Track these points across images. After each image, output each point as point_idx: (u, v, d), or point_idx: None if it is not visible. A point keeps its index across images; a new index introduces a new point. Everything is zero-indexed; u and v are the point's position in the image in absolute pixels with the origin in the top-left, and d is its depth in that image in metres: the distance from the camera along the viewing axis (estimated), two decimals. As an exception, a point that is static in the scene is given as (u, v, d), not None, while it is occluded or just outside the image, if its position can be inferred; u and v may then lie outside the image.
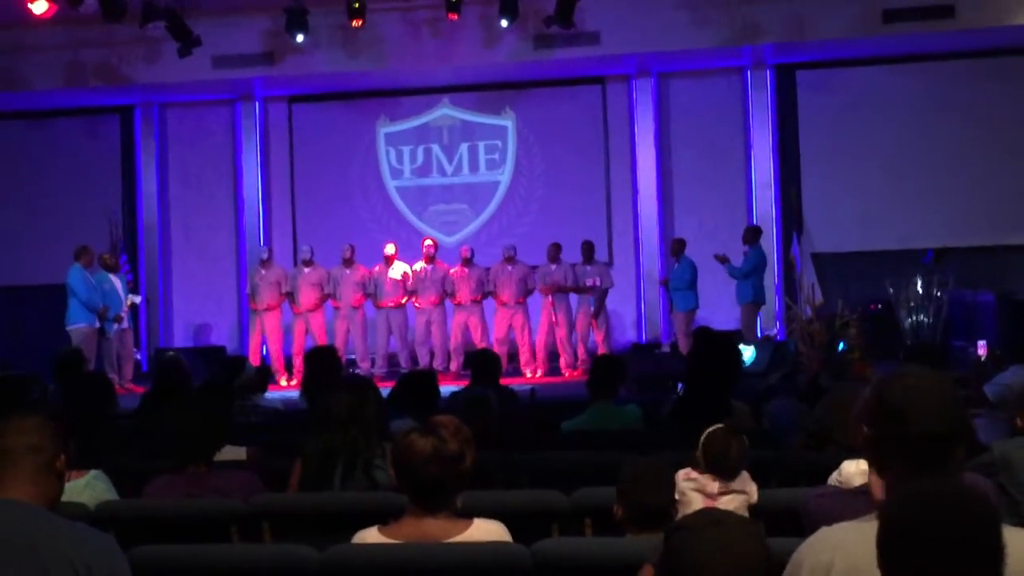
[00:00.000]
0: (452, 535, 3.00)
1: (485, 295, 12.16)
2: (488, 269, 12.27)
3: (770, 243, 12.68)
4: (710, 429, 3.85)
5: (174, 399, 4.70)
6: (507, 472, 4.60)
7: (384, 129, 13.99)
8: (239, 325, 13.86)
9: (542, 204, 13.71)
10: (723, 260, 11.51)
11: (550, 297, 11.97)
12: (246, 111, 13.96)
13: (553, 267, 12.04)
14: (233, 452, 4.58)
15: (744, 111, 13.28)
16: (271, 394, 7.74)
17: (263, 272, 12.30)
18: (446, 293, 12.14)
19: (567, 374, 11.89)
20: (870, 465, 2.29)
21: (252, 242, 13.78)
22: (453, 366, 11.99)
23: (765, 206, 13.13)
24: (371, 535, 3.06)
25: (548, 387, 10.61)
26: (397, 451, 3.05)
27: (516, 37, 12.29)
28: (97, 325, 11.36)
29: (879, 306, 11.35)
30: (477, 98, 13.81)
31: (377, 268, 12.28)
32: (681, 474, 3.77)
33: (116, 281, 11.81)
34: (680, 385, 6.87)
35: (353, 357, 12.20)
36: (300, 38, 11.92)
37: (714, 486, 3.76)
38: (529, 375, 11.92)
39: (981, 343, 9.38)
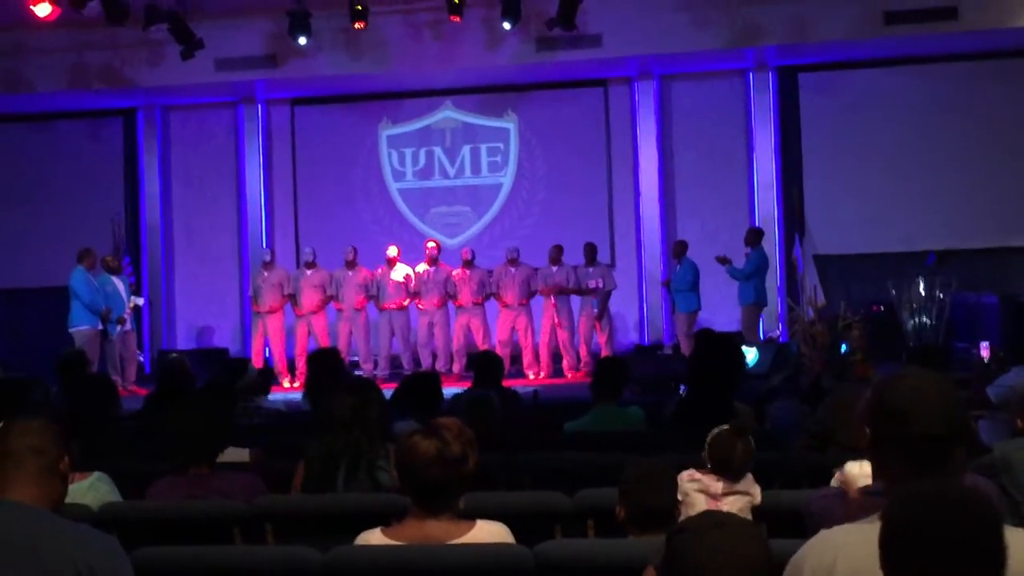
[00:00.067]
0: (455, 537, 3.00)
1: (487, 297, 12.16)
2: (491, 271, 12.28)
3: (772, 245, 12.68)
4: (716, 430, 3.85)
5: (177, 401, 4.70)
6: (509, 473, 4.60)
7: (386, 131, 14.00)
8: (242, 327, 13.88)
9: (544, 206, 13.72)
10: (725, 262, 11.51)
11: (552, 299, 11.97)
12: (249, 114, 13.98)
13: (555, 269, 12.05)
14: (236, 454, 4.58)
15: (746, 113, 13.28)
16: (274, 396, 7.75)
17: (265, 274, 12.31)
18: (448, 295, 12.15)
19: (570, 376, 11.89)
20: (872, 466, 2.30)
21: (254, 244, 13.80)
22: (456, 368, 11.99)
23: (767, 208, 13.13)
24: (374, 536, 3.06)
25: (551, 389, 10.61)
26: (400, 453, 3.05)
27: (518, 39, 12.30)
28: (100, 327, 11.37)
29: (881, 308, 11.34)
30: (479, 100, 13.82)
31: (380, 270, 12.29)
32: (684, 475, 3.76)
33: (119, 283, 11.82)
34: (682, 387, 6.86)
35: (356, 359, 12.20)
36: (303, 41, 11.93)
37: (718, 487, 3.76)
38: (532, 377, 11.93)
39: (984, 345, 9.36)
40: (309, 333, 12.20)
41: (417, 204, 13.94)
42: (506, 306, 12.05)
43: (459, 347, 12.08)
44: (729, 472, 3.77)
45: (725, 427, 3.88)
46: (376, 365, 12.25)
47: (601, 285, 11.90)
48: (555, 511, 3.82)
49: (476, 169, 13.90)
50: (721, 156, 13.30)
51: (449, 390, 6.31)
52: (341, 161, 13.99)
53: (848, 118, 12.97)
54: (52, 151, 14.06)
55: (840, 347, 9.40)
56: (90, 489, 3.95)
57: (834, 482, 3.66)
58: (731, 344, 6.63)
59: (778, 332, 12.29)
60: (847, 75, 13.12)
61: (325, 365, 6.44)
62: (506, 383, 7.02)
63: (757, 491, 3.80)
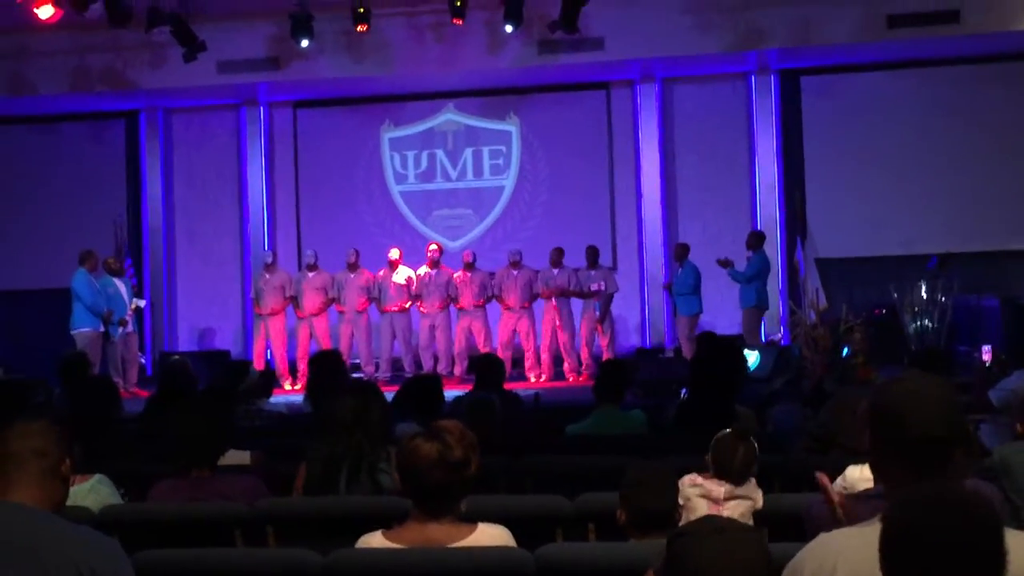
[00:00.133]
0: (456, 540, 3.00)
1: (489, 299, 12.16)
2: (492, 274, 12.27)
3: (774, 248, 12.68)
4: (720, 434, 3.85)
5: (178, 403, 4.70)
6: (511, 477, 4.60)
7: (388, 134, 14.01)
8: (243, 329, 13.88)
9: (546, 209, 13.73)
10: (726, 265, 11.50)
11: (553, 301, 11.96)
12: (251, 116, 13.99)
13: (556, 271, 12.04)
14: (237, 456, 4.58)
15: (748, 116, 13.29)
16: (275, 398, 7.75)
17: (267, 276, 12.31)
18: (450, 298, 12.15)
19: (571, 379, 11.88)
20: (871, 469, 2.31)
21: (256, 246, 13.81)
22: (457, 370, 11.98)
23: (769, 211, 13.13)
24: (375, 539, 3.06)
25: (552, 392, 10.60)
26: (402, 456, 3.05)
27: (520, 42, 12.31)
28: (102, 329, 11.36)
29: (883, 311, 11.33)
30: (481, 103, 13.83)
31: (381, 272, 12.29)
32: (686, 479, 3.75)
33: (121, 285, 11.82)
34: (684, 390, 6.86)
35: (357, 361, 12.20)
36: (305, 43, 11.94)
37: (720, 491, 3.75)
38: (533, 379, 11.92)
39: (986, 348, 9.36)
40: (311, 335, 12.20)
41: (419, 206, 13.95)
42: (508, 309, 12.04)
43: (460, 350, 12.08)
44: (730, 476, 3.77)
45: (728, 430, 3.88)
46: (377, 368, 12.25)
47: (603, 288, 11.89)
48: (556, 514, 3.82)
49: (478, 172, 13.91)
50: (723, 159, 13.31)
51: (450, 393, 6.31)
52: (343, 163, 14.00)
53: (850, 121, 12.97)
54: (54, 153, 14.07)
55: (842, 350, 9.38)
56: (91, 491, 3.96)
57: (835, 486, 3.66)
58: (733, 347, 6.62)
59: (780, 335, 12.28)
60: (849, 78, 13.12)
61: (327, 367, 6.44)
62: (507, 386, 7.02)
63: (759, 496, 3.79)
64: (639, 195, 13.45)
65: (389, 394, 4.89)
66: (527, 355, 12.09)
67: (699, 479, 3.80)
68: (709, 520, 2.07)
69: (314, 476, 4.02)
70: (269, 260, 12.50)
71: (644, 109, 13.39)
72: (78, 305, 11.25)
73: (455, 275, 12.19)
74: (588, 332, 12.00)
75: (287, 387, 11.90)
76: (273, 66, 12.70)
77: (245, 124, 14.01)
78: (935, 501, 1.80)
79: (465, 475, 2.99)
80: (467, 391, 6.61)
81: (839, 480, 3.69)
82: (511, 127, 13.83)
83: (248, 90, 13.42)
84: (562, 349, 12.02)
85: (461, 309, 12.10)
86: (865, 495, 2.70)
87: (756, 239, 11.78)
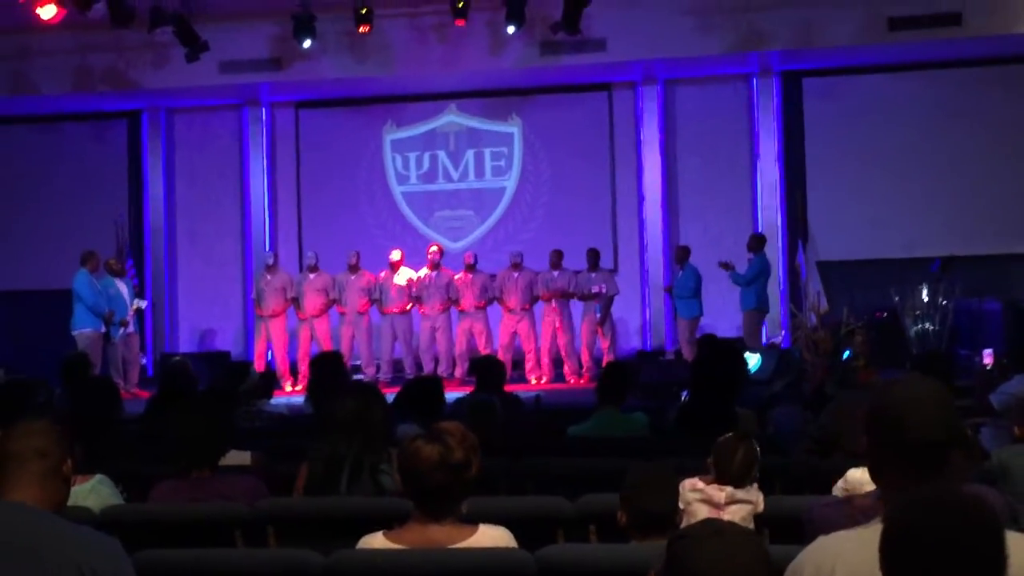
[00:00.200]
0: (457, 541, 3.00)
1: (490, 301, 12.15)
2: (493, 275, 12.27)
3: (775, 250, 12.68)
4: (722, 438, 3.85)
5: (179, 404, 4.70)
6: (512, 478, 4.60)
7: (390, 135, 14.01)
8: (244, 330, 13.88)
9: (548, 210, 13.73)
10: (727, 267, 11.50)
11: (553, 303, 11.96)
12: (253, 116, 13.99)
13: (555, 274, 12.04)
14: (238, 457, 4.58)
15: (750, 118, 13.29)
16: (276, 399, 7.75)
17: (268, 277, 12.31)
18: (450, 300, 12.14)
19: (572, 381, 11.88)
20: (869, 472, 2.31)
21: (258, 247, 13.82)
22: (458, 372, 11.98)
23: (770, 213, 13.13)
24: (376, 540, 3.06)
25: (553, 393, 10.60)
26: (403, 458, 3.05)
27: (523, 44, 12.31)
28: (103, 330, 11.37)
29: (884, 314, 11.32)
30: (483, 104, 13.83)
31: (383, 274, 12.28)
32: (687, 484, 3.75)
33: (122, 286, 11.82)
34: (685, 392, 6.86)
35: (358, 363, 12.20)
36: (307, 44, 11.94)
37: (721, 496, 3.74)
38: (534, 381, 11.92)
39: (987, 352, 9.35)
40: (312, 337, 12.20)
41: (421, 208, 13.96)
42: (508, 311, 12.04)
43: (461, 351, 12.08)
44: (728, 478, 3.76)
45: (731, 435, 3.88)
46: (378, 369, 12.25)
47: (604, 290, 11.89)
48: (557, 516, 3.82)
49: (480, 173, 13.91)
50: (725, 161, 13.31)
51: (451, 394, 6.31)
52: (345, 164, 14.00)
53: (852, 123, 12.97)
54: (56, 153, 14.08)
55: (843, 353, 9.37)
56: (92, 492, 3.96)
57: (836, 489, 3.66)
58: (733, 350, 6.62)
59: (780, 338, 12.27)
60: (851, 80, 13.12)
61: (328, 368, 6.44)
62: (508, 388, 7.02)
63: (760, 499, 3.78)
64: (640, 197, 13.45)
65: (390, 396, 4.89)
66: (528, 357, 12.09)
67: (700, 484, 3.79)
68: (709, 523, 2.08)
69: (315, 477, 4.02)
70: (270, 261, 12.50)
71: (646, 111, 13.39)
72: (79, 306, 11.25)
73: (456, 277, 12.19)
74: (588, 334, 12.00)
75: (288, 388, 11.90)
76: (275, 66, 12.71)
77: (247, 124, 14.02)
78: (936, 503, 1.81)
79: (466, 477, 2.99)
80: (468, 393, 6.61)
81: (840, 483, 3.69)
82: (513, 128, 13.83)
83: (250, 90, 13.43)
84: (562, 351, 12.02)
85: (462, 311, 12.11)
86: (866, 497, 2.70)
87: (757, 241, 11.78)
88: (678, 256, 12.10)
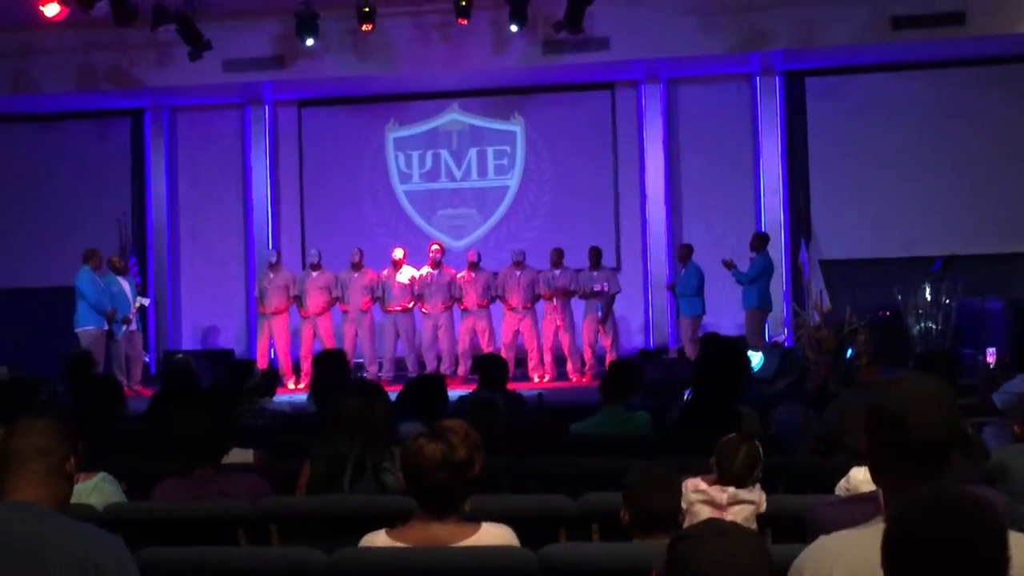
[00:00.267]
0: (460, 539, 3.00)
1: (493, 299, 12.16)
2: (496, 274, 12.27)
3: (778, 249, 12.67)
4: (725, 438, 3.84)
5: (182, 402, 4.70)
6: (514, 476, 4.60)
7: (393, 134, 14.02)
8: (247, 328, 13.89)
9: (550, 209, 13.73)
10: (730, 266, 11.50)
11: (555, 302, 11.96)
12: (256, 115, 13.99)
13: (557, 272, 12.04)
14: (240, 455, 4.58)
15: (753, 117, 13.28)
16: (278, 397, 7.76)
17: (271, 275, 12.32)
18: (453, 298, 12.15)
19: (574, 379, 11.88)
20: (870, 471, 2.31)
21: (261, 245, 13.82)
22: (461, 370, 11.99)
23: (773, 212, 13.12)
24: (379, 538, 3.06)
25: (556, 392, 10.60)
26: (406, 456, 3.05)
27: (525, 42, 12.30)
28: (106, 327, 11.38)
29: (887, 313, 11.31)
30: (486, 103, 13.83)
31: (385, 272, 12.29)
32: (690, 484, 3.74)
33: (125, 284, 11.83)
34: (687, 391, 6.86)
35: (361, 361, 12.21)
36: (310, 42, 11.95)
37: (723, 497, 3.74)
38: (537, 380, 11.92)
39: (990, 351, 9.34)
40: (314, 335, 12.21)
41: (423, 206, 13.96)
42: (511, 309, 12.04)
43: (464, 349, 12.09)
44: (731, 478, 3.76)
45: (733, 435, 3.87)
46: (381, 367, 12.26)
47: (605, 288, 11.90)
48: (560, 514, 3.82)
49: (482, 171, 13.91)
50: (727, 160, 13.30)
51: (454, 393, 6.31)
52: (348, 163, 14.01)
53: (854, 123, 12.96)
54: (59, 151, 14.08)
55: (846, 352, 9.37)
56: (95, 489, 3.96)
57: (839, 488, 3.66)
58: (736, 349, 6.62)
59: (783, 337, 12.27)
60: (854, 80, 13.11)
61: (331, 366, 6.44)
62: (511, 386, 7.02)
63: (763, 500, 3.78)
64: (643, 196, 13.44)
65: (393, 394, 4.88)
66: (530, 355, 12.09)
67: (702, 484, 3.79)
68: (711, 523, 2.07)
69: (318, 475, 4.02)
70: (273, 259, 12.52)
71: (648, 109, 13.39)
72: (82, 303, 11.26)
73: (459, 275, 12.19)
74: (591, 333, 12.00)
75: (290, 386, 11.91)
76: (278, 65, 12.71)
77: (250, 123, 14.03)
78: (938, 502, 1.81)
79: (469, 475, 2.99)
80: (471, 391, 6.60)
81: (843, 482, 3.69)
82: (515, 127, 13.83)
83: (253, 89, 13.43)
84: (564, 350, 12.03)
85: (465, 309, 12.11)
86: (867, 497, 2.70)
87: (760, 240, 11.77)
88: (681, 255, 12.10)
